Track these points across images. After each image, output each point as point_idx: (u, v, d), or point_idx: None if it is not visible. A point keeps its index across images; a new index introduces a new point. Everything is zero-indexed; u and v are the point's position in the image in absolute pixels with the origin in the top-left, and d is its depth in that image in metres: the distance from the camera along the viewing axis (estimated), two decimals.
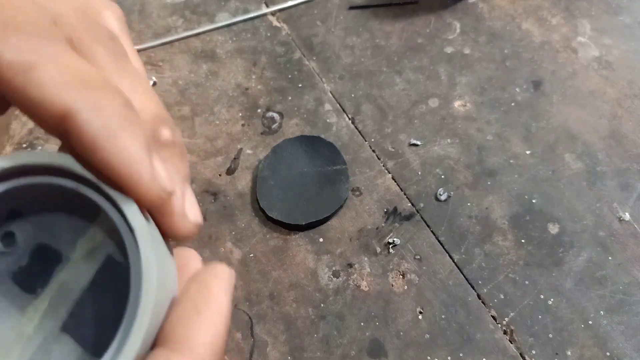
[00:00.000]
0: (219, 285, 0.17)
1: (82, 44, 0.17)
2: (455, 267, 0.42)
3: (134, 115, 0.16)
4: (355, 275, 0.42)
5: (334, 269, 0.42)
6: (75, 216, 0.17)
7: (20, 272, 0.17)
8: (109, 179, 0.15)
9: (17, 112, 0.51)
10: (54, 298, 0.16)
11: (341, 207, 0.45)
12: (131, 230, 0.16)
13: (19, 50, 0.14)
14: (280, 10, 0.60)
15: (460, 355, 0.38)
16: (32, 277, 0.17)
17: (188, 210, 0.17)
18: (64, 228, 0.17)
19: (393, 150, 0.49)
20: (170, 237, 0.17)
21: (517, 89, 0.52)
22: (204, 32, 0.59)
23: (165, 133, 0.18)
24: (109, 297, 0.17)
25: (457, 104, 0.51)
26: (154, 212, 0.17)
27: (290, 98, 0.53)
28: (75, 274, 0.17)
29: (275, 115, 0.52)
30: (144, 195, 0.16)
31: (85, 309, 0.17)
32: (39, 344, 0.16)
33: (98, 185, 0.16)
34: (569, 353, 0.38)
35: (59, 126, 0.15)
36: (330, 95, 0.53)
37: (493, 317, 0.40)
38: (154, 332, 0.16)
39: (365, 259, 0.43)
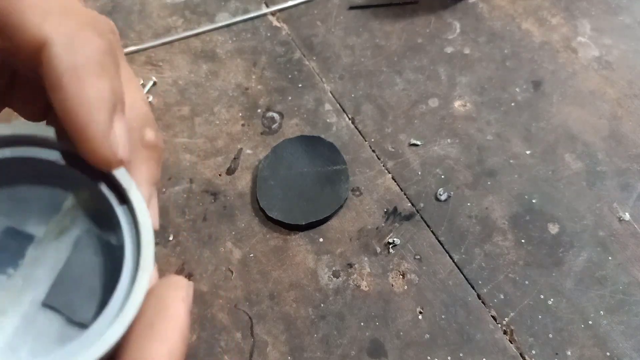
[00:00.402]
0: (174, 297, 0.16)
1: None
2: (455, 267, 0.42)
3: (110, 64, 0.15)
4: (355, 275, 0.42)
5: (334, 269, 0.42)
6: (50, 190, 0.17)
7: None
8: (64, 123, 0.15)
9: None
10: (28, 278, 0.16)
11: (341, 207, 0.45)
12: (130, 209, 0.16)
13: None
14: (280, 10, 0.60)
15: (460, 355, 0.38)
16: (3, 258, 0.17)
17: (116, 137, 0.15)
18: (40, 203, 0.17)
19: (393, 150, 0.49)
20: (86, 156, 0.16)
21: (517, 89, 0.52)
22: (204, 32, 0.59)
23: (150, 134, 0.18)
24: (90, 270, 0.17)
25: (457, 104, 0.51)
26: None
27: (290, 98, 0.53)
28: (49, 252, 0.17)
29: (275, 115, 0.52)
30: (91, 152, 0.15)
31: (65, 283, 0.17)
32: (20, 318, 0.16)
33: (74, 155, 0.16)
34: (569, 353, 0.38)
35: (34, 58, 0.14)
36: (330, 95, 0.53)
37: (493, 317, 0.40)
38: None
39: (365, 259, 0.43)
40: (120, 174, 0.16)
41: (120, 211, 0.17)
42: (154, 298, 0.16)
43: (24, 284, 0.16)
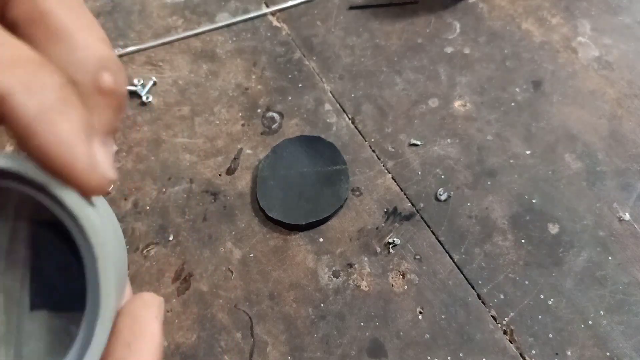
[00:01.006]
0: (148, 315, 0.17)
1: None
2: (455, 267, 0.42)
3: (71, 96, 0.15)
4: (355, 275, 0.42)
5: (334, 269, 0.42)
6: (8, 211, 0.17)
7: None
8: (47, 167, 0.15)
9: None
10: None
11: (341, 207, 0.45)
12: (76, 222, 0.16)
13: None
14: (280, 10, 0.60)
15: (460, 355, 0.38)
16: None
17: (100, 162, 0.16)
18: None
19: (393, 150, 0.49)
20: (79, 189, 0.16)
21: (517, 89, 0.52)
22: (204, 32, 0.59)
23: (107, 78, 0.17)
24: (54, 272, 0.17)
25: (457, 104, 0.51)
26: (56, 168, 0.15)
27: (290, 98, 0.53)
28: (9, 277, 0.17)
29: (275, 115, 0.52)
30: (83, 184, 0.15)
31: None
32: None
33: (33, 179, 0.15)
34: (569, 353, 0.38)
35: None
36: (330, 95, 0.53)
37: (493, 317, 0.40)
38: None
39: (365, 259, 0.43)
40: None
41: (76, 231, 0.16)
42: (129, 318, 0.16)
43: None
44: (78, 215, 0.15)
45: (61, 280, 0.17)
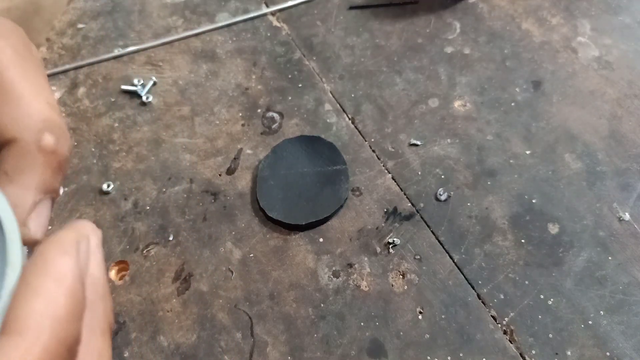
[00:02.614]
0: (54, 253, 0.16)
1: None
2: (455, 267, 0.42)
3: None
4: (355, 275, 0.42)
5: (334, 269, 0.42)
6: None
7: None
8: None
9: None
10: None
11: (341, 207, 0.45)
12: None
13: None
14: (280, 10, 0.60)
15: (460, 355, 0.38)
16: None
17: (31, 222, 0.18)
18: None
19: (393, 150, 0.49)
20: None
21: (517, 89, 0.52)
22: (204, 32, 0.59)
23: (48, 140, 0.18)
24: None
25: (457, 104, 0.51)
26: None
27: (290, 98, 0.53)
28: None
29: (275, 115, 0.52)
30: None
31: None
32: None
33: None
34: (569, 353, 0.38)
35: None
36: (330, 95, 0.53)
37: (493, 317, 0.40)
38: None
39: (365, 259, 0.43)
40: None
41: None
42: (35, 254, 0.16)
43: None
44: None
45: None
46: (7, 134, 0.18)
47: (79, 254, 0.17)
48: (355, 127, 0.50)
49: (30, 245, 0.18)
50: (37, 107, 0.19)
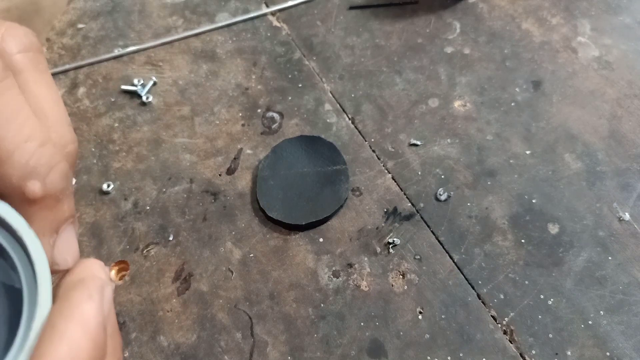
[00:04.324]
0: (79, 297, 0.16)
1: None
2: (455, 267, 0.42)
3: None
4: (355, 275, 0.42)
5: (334, 269, 0.42)
6: None
7: None
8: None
9: None
10: None
11: (341, 207, 0.45)
12: (25, 251, 0.16)
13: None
14: (280, 10, 0.60)
15: (460, 355, 0.38)
16: None
17: (57, 257, 0.18)
18: None
19: (393, 150, 0.49)
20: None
21: (517, 89, 0.52)
22: (204, 32, 0.59)
23: (33, 187, 0.17)
24: None
25: (457, 104, 0.51)
26: None
27: (290, 98, 0.53)
28: None
29: (275, 115, 0.52)
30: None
31: None
32: None
33: None
34: (569, 353, 0.38)
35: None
36: (330, 95, 0.53)
37: (493, 317, 0.40)
38: None
39: (365, 259, 0.43)
40: (12, 218, 0.16)
41: (16, 255, 0.17)
42: (62, 299, 0.16)
43: None
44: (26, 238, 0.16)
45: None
46: None
47: (103, 299, 0.17)
48: (355, 127, 0.50)
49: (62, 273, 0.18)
50: (14, 151, 0.16)
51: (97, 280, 0.17)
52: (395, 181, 0.47)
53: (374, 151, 0.49)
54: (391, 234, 0.44)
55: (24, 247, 0.16)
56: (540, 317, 0.40)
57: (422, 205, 0.45)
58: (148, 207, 0.47)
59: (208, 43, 0.58)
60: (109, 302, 0.18)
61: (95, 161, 0.50)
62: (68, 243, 0.19)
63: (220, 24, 0.59)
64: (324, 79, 0.54)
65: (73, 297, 0.16)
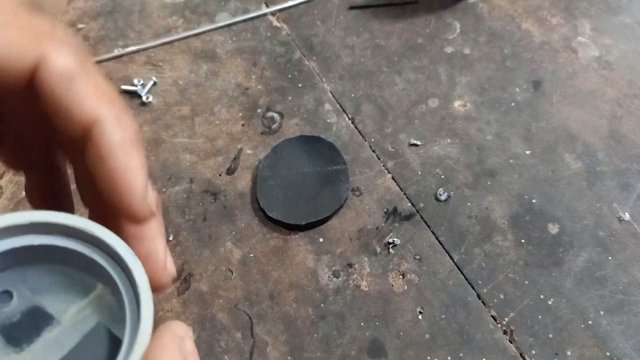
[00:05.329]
0: (172, 345, 0.17)
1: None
2: (455, 267, 0.42)
3: (140, 141, 0.18)
4: (355, 275, 0.42)
5: (334, 269, 0.42)
6: (76, 278, 0.18)
7: (10, 326, 0.17)
8: (110, 189, 0.17)
9: None
10: (37, 356, 0.17)
11: (341, 207, 0.45)
12: (138, 307, 0.17)
13: (67, 61, 0.17)
14: (280, 10, 0.60)
15: (460, 355, 0.38)
16: (21, 333, 0.17)
17: (169, 264, 0.19)
18: (63, 289, 0.18)
19: (393, 150, 0.49)
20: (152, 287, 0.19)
21: (517, 89, 0.52)
22: (204, 32, 0.59)
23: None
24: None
25: (457, 104, 0.51)
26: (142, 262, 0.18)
27: (290, 98, 0.53)
28: (62, 336, 0.17)
29: (275, 115, 0.52)
30: (133, 209, 0.18)
31: None
32: None
33: (105, 246, 0.17)
34: (569, 353, 0.38)
35: (83, 132, 0.17)
36: (330, 95, 0.53)
37: (493, 317, 0.40)
38: None
39: (365, 259, 0.43)
40: (137, 271, 0.17)
41: (129, 308, 0.17)
42: (155, 350, 0.17)
43: None
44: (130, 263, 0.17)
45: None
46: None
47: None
48: (355, 127, 0.50)
49: (168, 286, 0.19)
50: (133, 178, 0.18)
51: (190, 343, 0.18)
52: (395, 181, 0.47)
53: (374, 151, 0.49)
54: (391, 234, 0.44)
55: (138, 307, 0.17)
56: (540, 317, 0.40)
57: (422, 205, 0.45)
58: None
59: (208, 43, 0.58)
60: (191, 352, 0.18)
61: None
62: (169, 253, 0.20)
63: (220, 24, 0.59)
64: (324, 79, 0.54)
65: (167, 346, 0.17)
